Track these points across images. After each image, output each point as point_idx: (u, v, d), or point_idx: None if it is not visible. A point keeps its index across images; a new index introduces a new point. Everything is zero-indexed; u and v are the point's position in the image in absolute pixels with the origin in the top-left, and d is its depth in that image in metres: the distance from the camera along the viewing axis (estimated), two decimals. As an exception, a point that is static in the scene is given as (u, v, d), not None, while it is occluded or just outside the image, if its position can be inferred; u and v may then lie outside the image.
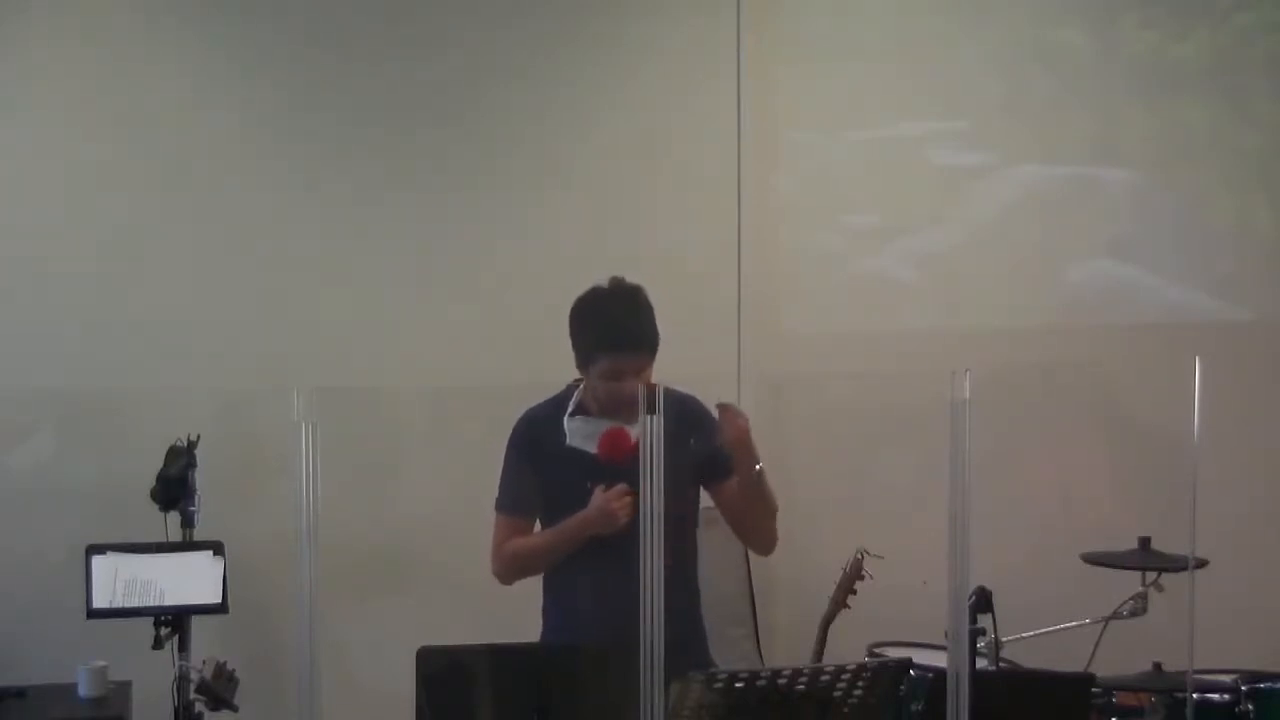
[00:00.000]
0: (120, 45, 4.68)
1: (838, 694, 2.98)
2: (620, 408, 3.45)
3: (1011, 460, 4.66)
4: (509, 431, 3.67)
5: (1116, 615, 3.91)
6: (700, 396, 3.66)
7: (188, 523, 4.11)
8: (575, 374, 3.62)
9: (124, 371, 4.56)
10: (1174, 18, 4.99)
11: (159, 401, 4.39)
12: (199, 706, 3.96)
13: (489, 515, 3.66)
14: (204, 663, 3.94)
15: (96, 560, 3.97)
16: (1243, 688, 3.68)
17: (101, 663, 4.23)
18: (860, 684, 2.99)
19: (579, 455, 3.55)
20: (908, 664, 3.29)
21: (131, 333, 4.62)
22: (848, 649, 3.95)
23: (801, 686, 2.95)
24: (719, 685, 2.92)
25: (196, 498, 4.12)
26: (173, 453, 4.17)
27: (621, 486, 3.39)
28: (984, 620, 3.16)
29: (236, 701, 3.95)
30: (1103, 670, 3.65)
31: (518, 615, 3.69)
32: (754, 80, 5.01)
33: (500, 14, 4.89)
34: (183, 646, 3.98)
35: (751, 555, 4.65)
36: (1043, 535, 4.66)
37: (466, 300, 4.82)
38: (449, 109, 4.87)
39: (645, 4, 5.04)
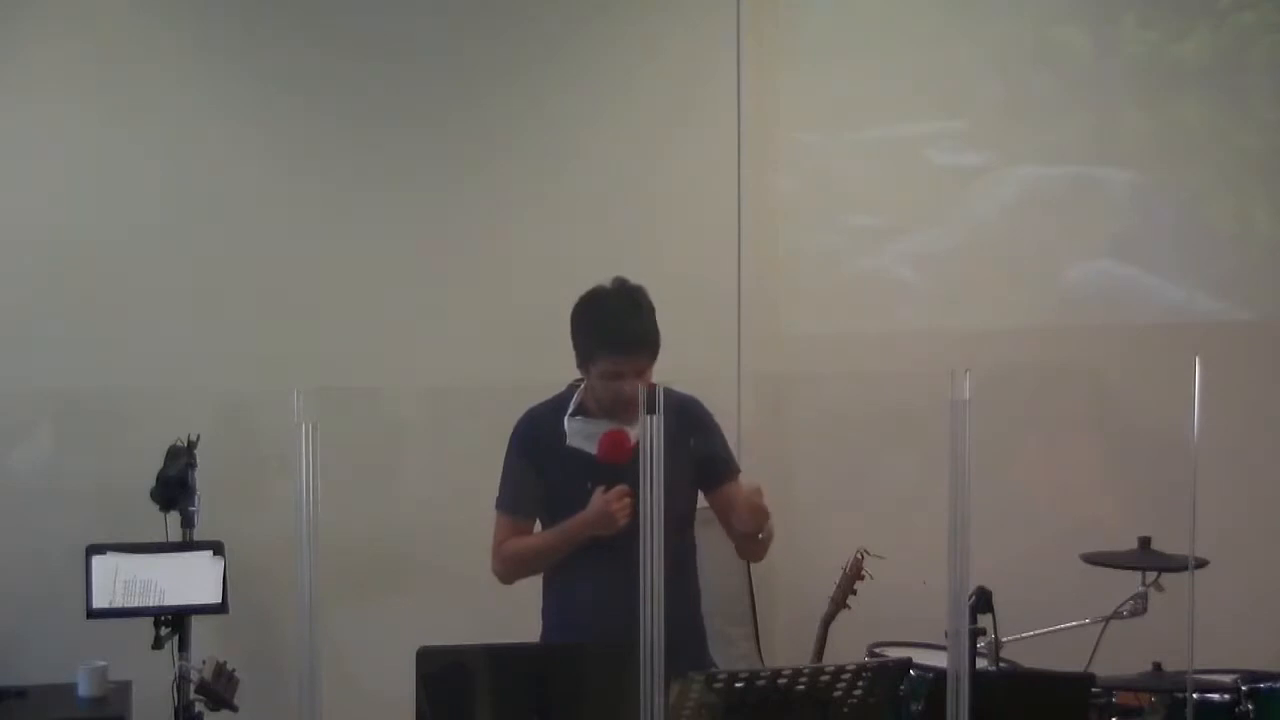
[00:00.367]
0: (121, 46, 4.68)
1: (838, 694, 2.98)
2: (620, 408, 3.45)
3: (1011, 460, 4.66)
4: (509, 431, 3.67)
5: (1116, 615, 3.90)
6: (701, 397, 3.66)
7: (188, 523, 4.11)
8: (575, 374, 3.63)
9: (124, 371, 4.56)
10: (1174, 18, 4.99)
11: (159, 401, 4.39)
12: (199, 706, 3.96)
13: (489, 515, 3.67)
14: (204, 663, 3.94)
15: (96, 560, 3.97)
16: (1243, 688, 3.67)
17: (101, 663, 4.23)
18: (860, 684, 2.99)
19: (579, 455, 3.55)
20: (908, 664, 3.29)
21: (131, 333, 4.62)
22: (848, 649, 3.95)
23: (801, 686, 2.95)
24: (719, 685, 2.92)
25: (196, 498, 4.12)
26: (173, 453, 4.17)
27: (621, 488, 3.39)
28: (984, 620, 3.16)
29: (236, 701, 3.95)
30: (1103, 670, 3.65)
31: (518, 615, 3.70)
32: (754, 80, 5.01)
33: (501, 14, 4.90)
34: (183, 646, 3.99)
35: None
36: (1043, 535, 4.65)
37: (466, 300, 4.82)
38: (449, 109, 4.88)
39: (645, 4, 5.04)
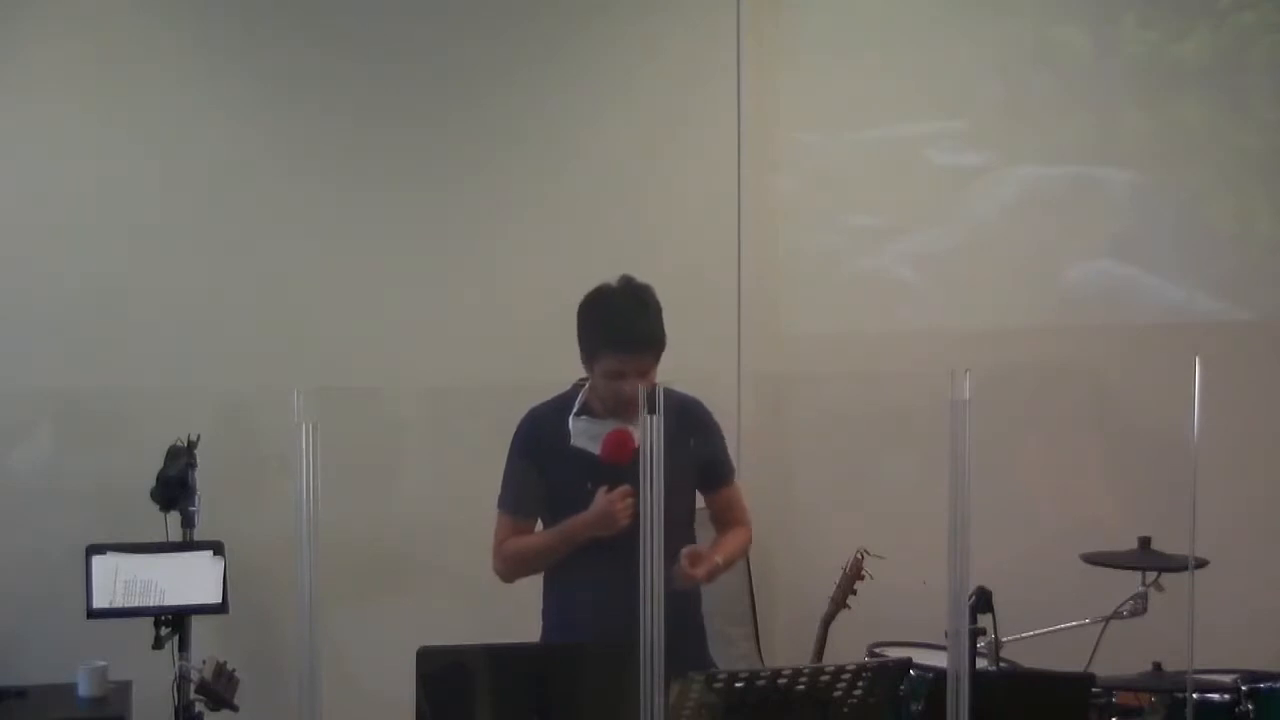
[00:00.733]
0: (121, 46, 4.68)
1: (838, 694, 2.98)
2: (623, 407, 3.45)
3: (1011, 460, 4.66)
4: (509, 431, 3.67)
5: (1116, 615, 3.91)
6: (702, 398, 3.66)
7: (188, 523, 4.11)
8: (575, 373, 3.62)
9: (124, 371, 4.56)
10: (1174, 18, 4.99)
11: (159, 401, 4.40)
12: (199, 706, 3.96)
13: (489, 515, 3.67)
14: (204, 663, 3.94)
15: (96, 560, 3.97)
16: (1243, 688, 3.67)
17: (101, 663, 4.23)
18: (860, 684, 2.99)
19: (582, 455, 3.54)
20: (908, 664, 3.29)
21: (131, 333, 4.63)
22: (848, 649, 3.95)
23: (801, 686, 2.95)
24: (719, 685, 2.92)
25: (196, 498, 4.12)
26: (173, 453, 4.17)
27: (625, 488, 3.38)
28: (984, 620, 3.16)
29: (236, 701, 3.95)
30: (1103, 670, 3.65)
31: (518, 615, 3.70)
32: (754, 80, 5.01)
33: (500, 15, 4.90)
34: (183, 646, 3.99)
35: (752, 555, 4.64)
36: (1043, 535, 4.66)
37: (466, 300, 4.82)
38: (449, 109, 4.88)
39: (645, 4, 5.05)
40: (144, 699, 4.24)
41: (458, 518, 4.15)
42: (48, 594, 4.41)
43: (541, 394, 3.68)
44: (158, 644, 3.95)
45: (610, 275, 3.57)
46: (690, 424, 3.57)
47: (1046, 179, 5.05)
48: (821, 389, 4.95)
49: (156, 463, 4.15)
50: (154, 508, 4.11)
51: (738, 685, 2.92)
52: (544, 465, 3.61)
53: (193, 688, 3.92)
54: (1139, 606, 3.88)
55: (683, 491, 3.53)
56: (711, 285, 4.94)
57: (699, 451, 3.62)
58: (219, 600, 4.02)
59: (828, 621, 4.10)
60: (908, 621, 3.82)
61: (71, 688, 4.23)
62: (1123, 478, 4.83)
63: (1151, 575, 3.88)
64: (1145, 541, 3.93)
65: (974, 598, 3.07)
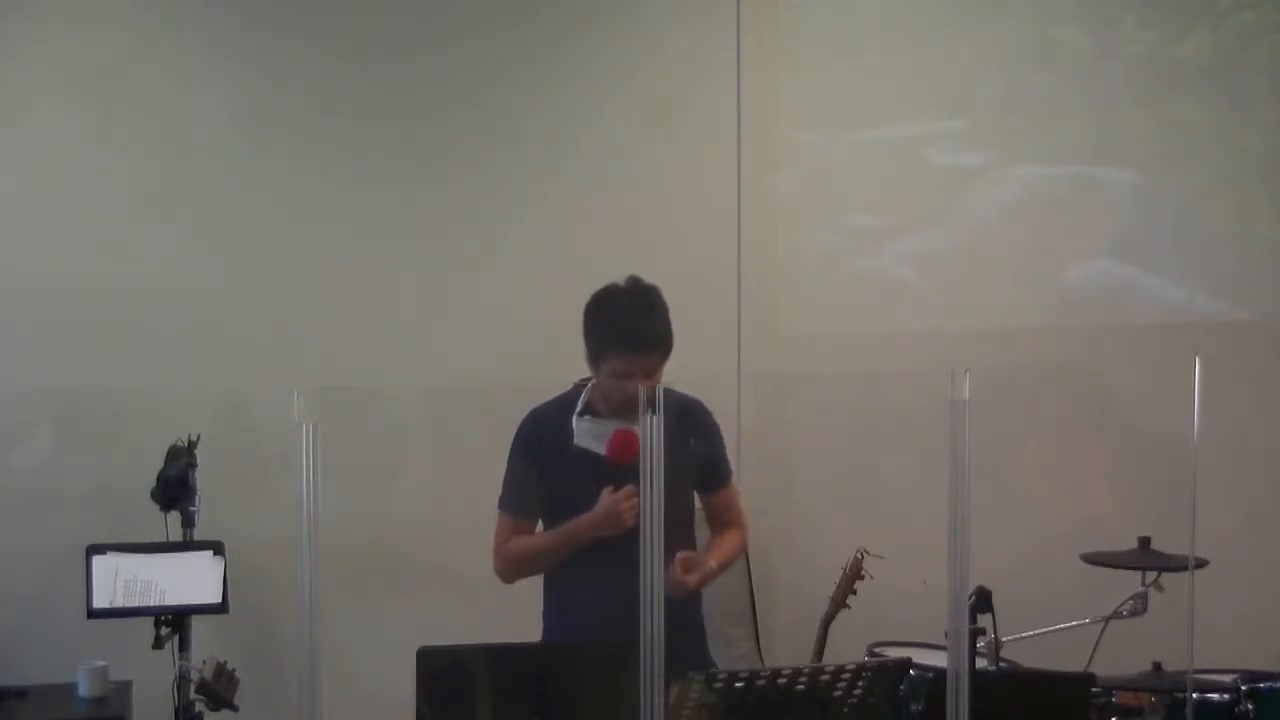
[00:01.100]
0: (120, 47, 4.68)
1: (838, 694, 2.98)
2: (629, 408, 3.44)
3: (1011, 460, 4.66)
4: (510, 431, 3.67)
5: (1116, 615, 3.91)
6: (702, 398, 3.66)
7: (188, 523, 4.11)
8: (575, 374, 3.62)
9: (124, 371, 4.56)
10: (1174, 18, 4.99)
11: (159, 401, 4.40)
12: (199, 706, 3.96)
13: (489, 515, 3.66)
14: (204, 663, 3.94)
15: (96, 560, 3.97)
16: (1243, 688, 3.67)
17: (101, 663, 4.23)
18: (860, 684, 2.99)
19: (585, 455, 3.54)
20: (908, 664, 3.29)
21: (131, 333, 4.62)
22: (848, 649, 3.95)
23: (801, 686, 2.95)
24: (719, 685, 2.92)
25: (196, 498, 4.12)
26: (173, 453, 4.17)
27: (629, 488, 3.37)
28: (984, 620, 3.16)
29: (236, 701, 3.95)
30: (1103, 670, 3.65)
31: (518, 615, 3.70)
32: (754, 80, 5.01)
33: (500, 15, 4.89)
34: (183, 646, 3.98)
35: (752, 555, 4.65)
36: (1043, 535, 4.66)
37: (466, 300, 4.82)
38: (449, 110, 4.88)
39: (645, 4, 5.04)
40: (144, 699, 4.24)
41: (458, 518, 4.16)
42: (48, 594, 4.41)
43: (542, 394, 3.68)
44: (158, 644, 3.95)
45: (610, 275, 3.57)
46: (691, 424, 3.57)
47: (1046, 179, 5.05)
48: (821, 389, 4.95)
49: (156, 463, 4.15)
50: (154, 508, 4.11)
51: (738, 685, 2.92)
52: (545, 465, 3.61)
53: (193, 688, 3.92)
54: (1139, 606, 3.88)
55: (683, 492, 3.53)
56: (711, 285, 4.94)
57: (699, 452, 3.62)
58: (219, 600, 4.02)
59: (828, 621, 4.10)
60: (908, 621, 3.82)
61: (71, 688, 4.22)
62: (1123, 478, 4.83)
63: (1151, 575, 3.88)
64: (1145, 541, 3.93)
65: (974, 598, 3.07)
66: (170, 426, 4.22)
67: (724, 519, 3.74)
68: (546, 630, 3.66)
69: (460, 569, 4.26)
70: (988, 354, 4.65)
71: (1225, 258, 5.03)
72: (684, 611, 3.52)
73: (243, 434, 4.55)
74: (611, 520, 3.43)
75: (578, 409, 3.59)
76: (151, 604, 3.97)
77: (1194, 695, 3.58)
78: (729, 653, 4.54)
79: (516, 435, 3.66)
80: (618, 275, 3.57)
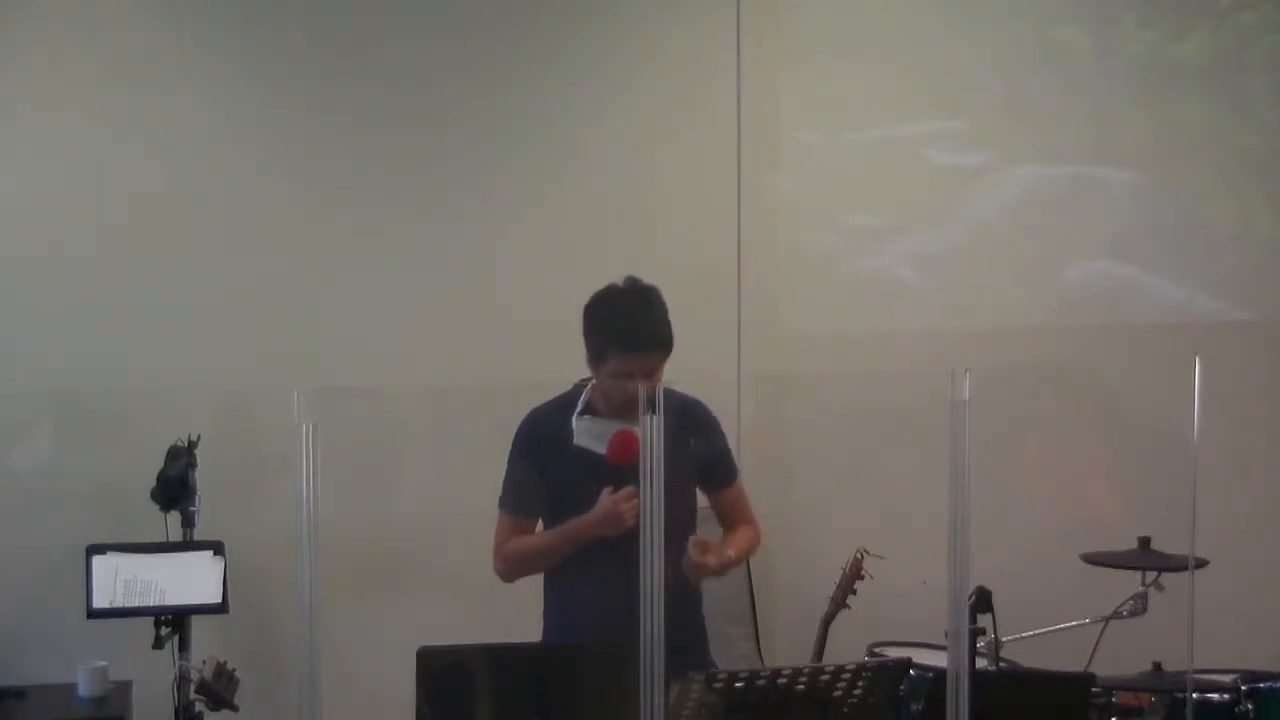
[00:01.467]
0: (121, 46, 4.67)
1: (838, 694, 2.98)
2: (630, 408, 3.44)
3: (1011, 460, 4.66)
4: (509, 431, 3.67)
5: (1116, 615, 3.91)
6: (702, 398, 3.66)
7: (188, 523, 4.10)
8: (575, 374, 3.62)
9: (124, 371, 4.56)
10: (1174, 18, 4.99)
11: (159, 401, 4.39)
12: (199, 706, 3.95)
13: (489, 515, 3.67)
14: (204, 663, 3.94)
15: (96, 560, 3.97)
16: (1243, 688, 3.67)
17: (101, 663, 4.23)
18: (860, 684, 2.99)
19: (586, 455, 3.54)
20: (908, 664, 3.29)
21: (131, 333, 4.62)
22: (848, 649, 3.95)
23: (801, 686, 2.95)
24: (719, 685, 2.92)
25: (196, 498, 4.11)
26: (173, 453, 4.17)
27: (630, 488, 3.38)
28: (984, 620, 3.16)
29: (236, 701, 3.95)
30: (1103, 670, 3.65)
31: (518, 615, 3.70)
32: (754, 80, 5.01)
33: (500, 15, 4.89)
34: (183, 646, 3.98)
35: (752, 555, 4.64)
36: (1043, 535, 4.66)
37: (466, 300, 4.82)
38: (449, 109, 4.88)
39: (645, 4, 5.04)
40: (144, 699, 4.24)
41: (458, 518, 4.16)
42: (48, 594, 4.41)
43: (541, 394, 3.68)
44: (158, 644, 3.95)
45: (610, 275, 3.57)
46: (691, 424, 3.57)
47: (1046, 179, 5.05)
48: (821, 389, 4.95)
49: (156, 463, 4.15)
50: (154, 508, 4.11)
51: (738, 685, 2.92)
52: (545, 465, 3.61)
53: (193, 688, 3.92)
54: (1139, 606, 3.88)
55: (684, 492, 3.53)
56: (711, 285, 4.94)
57: (701, 452, 3.62)
58: (219, 600, 4.02)
59: (828, 621, 4.10)
60: (908, 621, 3.82)
61: (71, 688, 4.22)
62: (1123, 478, 4.83)
63: (1151, 575, 3.88)
64: (1145, 541, 3.93)
65: (974, 598, 3.07)
66: (170, 426, 4.22)
67: (734, 517, 3.74)
68: (547, 630, 3.66)
69: (460, 569, 4.26)
70: (988, 354, 4.65)
71: (1225, 258, 5.03)
72: (685, 611, 3.52)
73: (243, 434, 4.55)
74: (611, 520, 3.43)
75: (578, 409, 3.59)
76: (151, 604, 3.96)
77: (1194, 695, 3.58)
78: (729, 653, 4.54)
79: (517, 435, 3.66)
80: (618, 275, 3.58)
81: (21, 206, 4.60)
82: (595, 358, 3.54)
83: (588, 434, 3.56)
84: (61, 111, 4.63)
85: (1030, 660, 3.92)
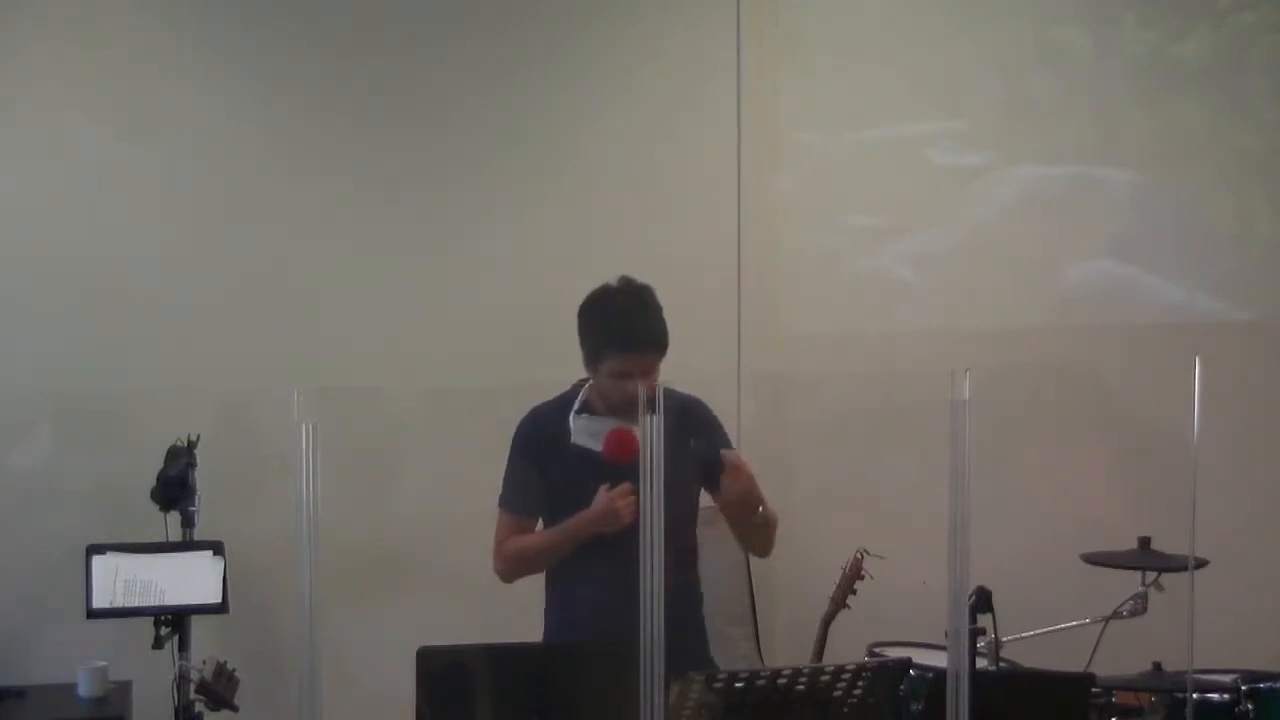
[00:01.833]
0: (121, 46, 4.68)
1: (838, 694, 2.98)
2: (627, 407, 3.44)
3: (1011, 460, 4.65)
4: (509, 431, 3.67)
5: (1116, 615, 3.91)
6: (702, 398, 3.66)
7: (188, 523, 4.11)
8: (576, 373, 3.63)
9: (124, 371, 4.56)
10: (1174, 18, 4.99)
11: (159, 401, 4.39)
12: (199, 706, 3.96)
13: (489, 515, 3.67)
14: (204, 663, 3.94)
15: (96, 560, 3.97)
16: (1243, 688, 3.67)
17: (101, 663, 4.23)
18: (860, 684, 2.99)
19: (584, 454, 3.54)
20: (908, 664, 3.29)
21: (131, 333, 4.62)
22: (848, 649, 3.95)
23: (801, 686, 2.95)
24: (719, 685, 2.92)
25: (196, 498, 4.12)
26: (173, 453, 4.17)
27: (625, 485, 3.39)
28: (984, 620, 3.17)
29: (236, 701, 3.95)
30: (1103, 670, 3.65)
31: (518, 615, 3.70)
32: (754, 80, 5.01)
33: (500, 15, 4.90)
34: (183, 646, 3.98)
35: (752, 555, 4.65)
36: (1043, 535, 4.66)
37: (466, 300, 4.82)
38: (449, 109, 4.88)
39: (645, 4, 5.04)
40: (144, 699, 4.24)
41: (458, 518, 4.16)
42: (48, 594, 4.41)
43: (541, 394, 3.68)
44: (158, 644, 3.95)
45: (610, 275, 3.57)
46: (691, 423, 3.57)
47: (1046, 179, 5.05)
48: (821, 389, 4.95)
49: (156, 463, 4.15)
50: (154, 508, 4.11)
51: (738, 685, 2.92)
52: (545, 464, 3.62)
53: (193, 688, 3.92)
54: (1139, 606, 3.88)
55: (684, 491, 3.53)
56: (711, 285, 4.94)
57: (701, 451, 3.62)
58: (219, 600, 4.02)
59: (828, 621, 4.10)
60: (908, 621, 3.82)
61: (71, 688, 4.22)
62: (1123, 478, 4.83)
63: (1151, 575, 3.88)
64: (1145, 541, 3.93)
65: (974, 598, 3.07)
66: (170, 426, 4.22)
67: None
68: (549, 629, 3.66)
69: (460, 569, 4.26)
70: (988, 354, 4.64)
71: (1225, 258, 5.03)
72: (685, 611, 3.52)
73: (243, 434, 4.55)
74: (608, 518, 3.44)
75: (575, 408, 3.59)
76: (151, 604, 3.97)
77: (1194, 695, 3.58)
78: (729, 653, 4.54)
79: (516, 434, 3.66)
80: (617, 276, 3.57)
81: (21, 206, 4.60)
82: (592, 358, 3.55)
83: (584, 433, 3.57)
84: (61, 111, 4.63)
85: (1030, 660, 3.92)
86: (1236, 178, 5.06)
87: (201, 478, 4.15)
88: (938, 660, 3.25)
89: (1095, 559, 3.97)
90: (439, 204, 4.87)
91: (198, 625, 4.04)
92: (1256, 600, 4.67)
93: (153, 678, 4.05)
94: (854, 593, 4.07)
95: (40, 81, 4.62)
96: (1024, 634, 3.85)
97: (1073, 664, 3.76)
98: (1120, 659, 3.81)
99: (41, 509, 4.51)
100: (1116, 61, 5.02)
